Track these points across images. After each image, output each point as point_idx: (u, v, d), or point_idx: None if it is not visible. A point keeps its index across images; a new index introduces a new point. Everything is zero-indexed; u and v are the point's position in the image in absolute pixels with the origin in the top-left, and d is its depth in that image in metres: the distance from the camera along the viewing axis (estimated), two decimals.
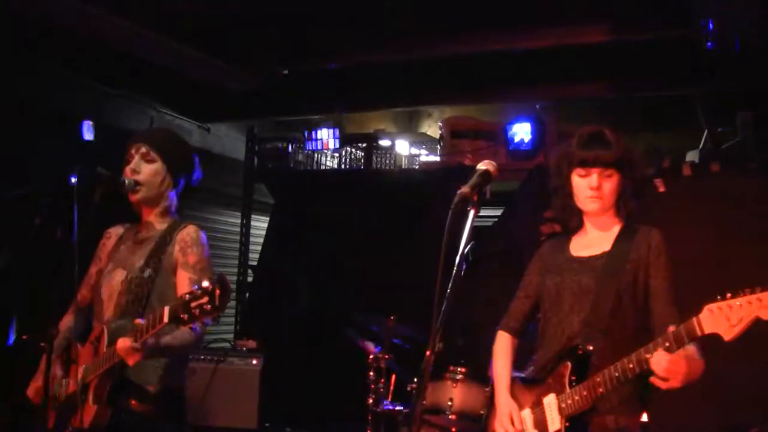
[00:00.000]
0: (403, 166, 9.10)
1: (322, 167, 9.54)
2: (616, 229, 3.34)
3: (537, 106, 7.57)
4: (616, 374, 2.94)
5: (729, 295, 2.66)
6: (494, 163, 2.88)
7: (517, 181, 7.24)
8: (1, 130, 6.33)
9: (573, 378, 3.12)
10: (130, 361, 3.17)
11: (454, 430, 5.08)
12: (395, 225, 7.73)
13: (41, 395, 3.55)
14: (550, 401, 3.18)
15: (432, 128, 9.46)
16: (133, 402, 3.45)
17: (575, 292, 3.26)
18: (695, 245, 5.82)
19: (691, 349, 2.87)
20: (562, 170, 3.37)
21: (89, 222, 3.30)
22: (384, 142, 9.09)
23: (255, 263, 9.19)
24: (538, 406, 3.23)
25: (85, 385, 3.40)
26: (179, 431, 3.64)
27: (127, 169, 3.63)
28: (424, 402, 5.08)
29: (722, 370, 2.94)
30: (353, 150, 9.31)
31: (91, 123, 7.17)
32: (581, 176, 3.27)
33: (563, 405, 3.12)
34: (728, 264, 5.76)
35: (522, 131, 7.39)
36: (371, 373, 5.84)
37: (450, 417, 5.11)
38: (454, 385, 5.19)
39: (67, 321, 3.75)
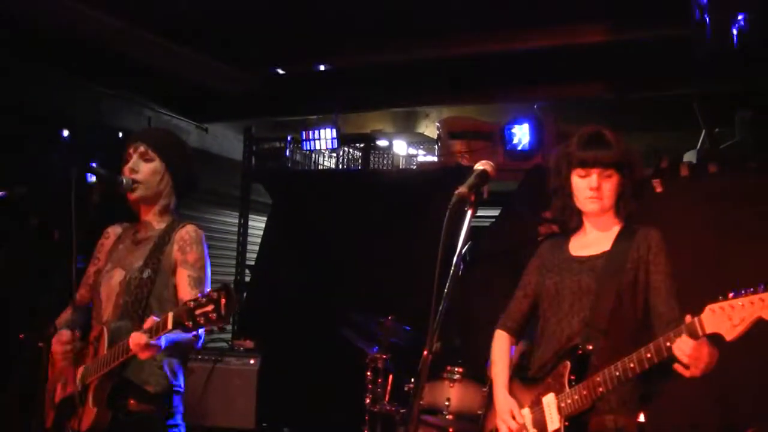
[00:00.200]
0: (400, 167, 9.12)
1: (320, 167, 9.55)
2: (616, 229, 3.35)
3: (535, 107, 7.56)
4: (617, 374, 2.94)
5: (731, 295, 2.66)
6: (492, 163, 2.88)
7: (515, 181, 7.24)
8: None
9: (572, 377, 3.12)
10: (142, 356, 3.17)
11: (451, 430, 5.08)
12: (393, 225, 7.73)
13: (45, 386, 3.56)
14: (549, 401, 3.18)
15: (430, 128, 9.46)
16: (131, 402, 3.44)
17: (575, 292, 3.27)
18: (693, 245, 5.82)
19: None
20: (562, 171, 3.38)
21: (87, 222, 3.30)
22: (381, 143, 9.10)
23: (252, 263, 9.19)
24: (537, 406, 3.23)
25: (84, 386, 3.39)
26: (177, 431, 3.64)
27: (126, 169, 3.62)
28: (422, 402, 5.08)
29: (720, 369, 2.94)
30: (351, 150, 9.32)
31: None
32: (581, 177, 3.28)
33: (562, 404, 3.12)
34: (726, 264, 5.76)
35: (520, 132, 7.39)
36: (369, 373, 5.84)
37: (447, 417, 5.11)
38: (452, 385, 5.19)
39: (65, 321, 3.75)
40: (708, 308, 2.71)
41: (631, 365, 2.90)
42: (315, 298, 7.93)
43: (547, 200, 3.57)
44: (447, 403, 5.13)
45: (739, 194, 5.97)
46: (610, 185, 3.26)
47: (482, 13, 6.19)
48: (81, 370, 3.44)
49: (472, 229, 2.75)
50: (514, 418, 3.28)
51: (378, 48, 7.01)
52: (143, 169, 3.62)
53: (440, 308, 2.65)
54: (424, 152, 9.27)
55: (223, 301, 2.95)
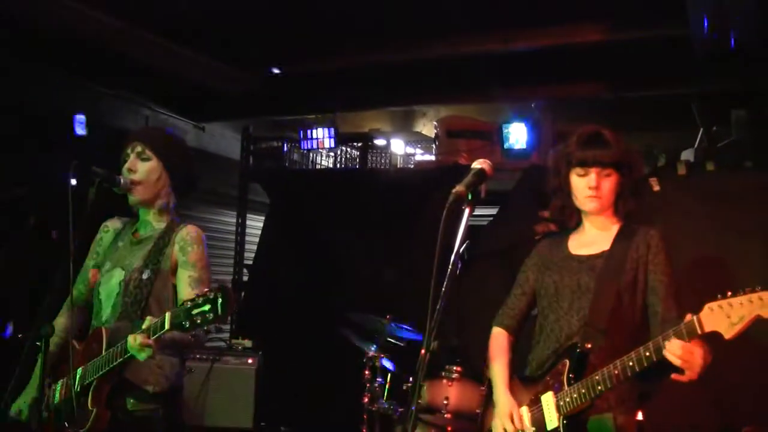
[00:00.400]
0: (398, 166, 9.11)
1: (318, 166, 9.54)
2: (615, 228, 3.36)
3: (533, 106, 7.56)
4: (616, 372, 2.95)
5: (729, 293, 2.68)
6: (489, 162, 2.88)
7: (512, 180, 7.24)
8: None
9: (571, 376, 3.13)
10: (141, 357, 3.17)
11: (449, 429, 5.08)
12: (390, 224, 7.73)
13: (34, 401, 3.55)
14: (547, 399, 3.19)
15: (427, 127, 9.46)
16: (131, 402, 3.45)
17: (574, 291, 3.28)
18: (690, 244, 5.83)
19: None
20: (561, 170, 3.39)
21: (85, 221, 3.30)
22: (379, 142, 9.09)
23: (250, 262, 9.19)
24: (535, 404, 3.24)
25: (83, 387, 3.39)
26: (176, 431, 3.64)
27: (124, 168, 3.63)
28: (420, 401, 5.09)
29: (717, 368, 2.94)
30: (348, 149, 9.31)
31: (83, 117, 7.14)
32: (580, 176, 3.29)
33: (561, 403, 3.13)
34: (723, 262, 5.76)
35: (517, 131, 7.38)
36: (367, 372, 5.84)
37: (446, 416, 5.11)
38: (450, 384, 5.19)
39: (62, 321, 3.74)
40: (707, 307, 2.72)
41: (630, 364, 2.91)
42: (313, 298, 7.93)
43: (544, 199, 3.58)
44: (445, 402, 5.13)
45: (736, 193, 5.97)
46: (609, 184, 3.27)
47: (481, 13, 6.19)
48: (80, 370, 3.44)
49: (469, 228, 2.76)
50: (512, 418, 3.28)
51: (377, 47, 7.01)
52: (141, 168, 3.61)
53: (438, 307, 2.65)
54: (422, 151, 9.26)
55: (220, 300, 2.95)
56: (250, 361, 6.88)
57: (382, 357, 5.83)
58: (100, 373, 3.33)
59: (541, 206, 3.64)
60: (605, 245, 3.31)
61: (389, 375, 5.88)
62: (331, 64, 7.52)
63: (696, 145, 6.68)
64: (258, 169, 9.33)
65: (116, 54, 6.87)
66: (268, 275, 8.66)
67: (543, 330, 3.39)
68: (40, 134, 6.77)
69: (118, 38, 6.63)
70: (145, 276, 3.53)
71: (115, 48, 6.78)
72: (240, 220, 9.41)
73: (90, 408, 3.33)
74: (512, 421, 3.28)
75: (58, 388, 3.55)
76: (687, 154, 6.58)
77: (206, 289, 3.03)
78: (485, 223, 7.39)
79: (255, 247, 9.16)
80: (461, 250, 2.74)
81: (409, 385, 5.35)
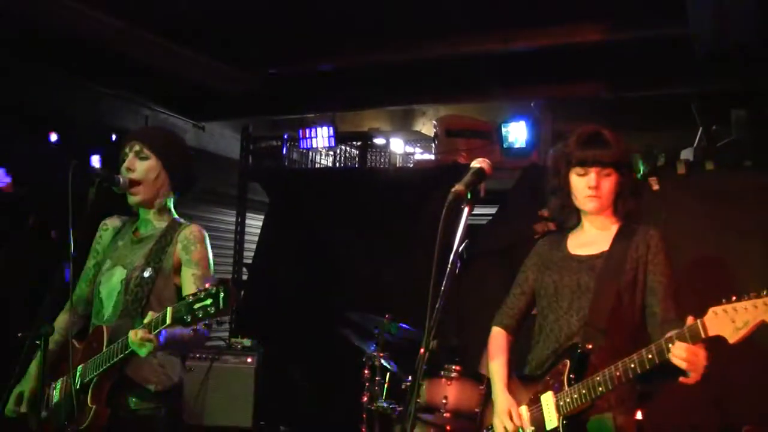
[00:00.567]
0: (397, 165, 9.11)
1: (317, 166, 9.54)
2: (614, 228, 3.36)
3: (532, 105, 7.57)
4: (617, 374, 2.94)
5: (734, 298, 2.67)
6: (488, 161, 2.89)
7: (511, 179, 7.24)
8: None
9: (572, 376, 3.13)
10: (142, 352, 3.18)
11: (448, 428, 5.08)
12: (390, 223, 7.73)
13: (27, 406, 3.56)
14: (547, 399, 3.18)
15: (426, 127, 9.46)
16: (132, 400, 3.46)
17: (574, 291, 3.28)
18: (690, 243, 5.83)
19: None
20: (561, 170, 3.39)
21: (85, 221, 3.30)
22: (379, 141, 9.09)
23: (250, 261, 9.19)
24: (535, 404, 3.24)
25: (83, 384, 3.40)
26: (177, 429, 3.65)
27: (122, 168, 3.63)
28: (419, 400, 5.09)
29: (718, 369, 2.94)
30: (348, 148, 9.31)
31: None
32: (580, 175, 3.30)
33: (561, 403, 3.13)
34: (723, 262, 5.77)
35: (517, 130, 7.39)
36: (366, 372, 5.85)
37: (445, 415, 5.11)
38: (449, 383, 5.19)
39: (63, 319, 3.75)
40: (711, 311, 2.71)
41: (632, 366, 2.91)
42: (312, 297, 7.93)
43: (543, 198, 3.59)
44: (444, 401, 5.12)
45: (735, 192, 5.98)
46: (608, 184, 3.28)
47: (481, 12, 6.19)
48: (80, 368, 3.44)
49: (468, 227, 2.76)
50: (511, 417, 3.28)
51: (376, 47, 7.01)
52: (139, 167, 3.62)
53: (437, 306, 2.65)
54: (421, 150, 9.26)
55: (221, 295, 2.96)
56: (249, 360, 6.88)
57: (382, 356, 5.83)
58: (101, 370, 3.33)
59: (541, 205, 3.65)
60: (605, 245, 3.31)
61: (388, 374, 5.88)
62: (330, 63, 7.52)
63: (695, 145, 6.68)
64: (257, 169, 9.33)
65: (116, 54, 6.86)
66: (267, 274, 8.66)
67: (542, 330, 3.39)
68: (41, 134, 6.76)
69: (118, 38, 6.62)
70: (146, 274, 3.53)
71: (115, 48, 6.77)
72: (239, 219, 9.41)
73: (89, 405, 3.33)
74: (511, 419, 3.28)
75: (58, 387, 3.56)
76: (686, 154, 6.58)
77: (207, 284, 3.04)
78: (485, 222, 7.40)
79: (254, 246, 9.16)
80: (460, 249, 2.74)
81: (408, 384, 5.36)
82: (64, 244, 3.19)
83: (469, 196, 2.76)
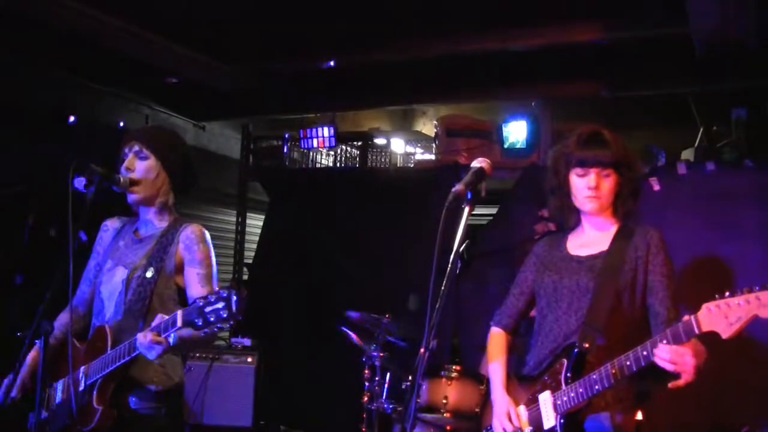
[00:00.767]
0: (398, 165, 9.11)
1: (317, 165, 9.54)
2: (614, 229, 3.36)
3: (532, 104, 7.57)
4: (613, 372, 2.95)
5: (727, 293, 2.68)
6: (488, 160, 2.89)
7: (512, 179, 7.25)
8: None
9: (569, 375, 3.13)
10: (151, 355, 3.18)
11: (449, 428, 5.08)
12: (390, 223, 7.73)
13: (18, 393, 3.56)
14: (545, 398, 3.19)
15: (427, 126, 9.47)
16: (133, 400, 3.45)
17: (573, 291, 3.28)
18: (690, 243, 5.83)
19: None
20: (560, 170, 3.39)
21: (84, 220, 3.30)
22: (379, 141, 9.09)
23: (250, 261, 9.19)
24: (533, 403, 3.24)
25: (87, 385, 3.39)
26: (178, 429, 3.64)
27: (122, 168, 3.63)
28: (419, 400, 5.08)
29: (716, 368, 2.94)
30: (348, 148, 9.30)
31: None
32: (579, 176, 3.29)
33: (558, 402, 3.13)
34: (723, 262, 5.77)
35: (517, 130, 7.39)
36: (366, 371, 5.84)
37: (445, 415, 5.10)
38: (449, 383, 5.18)
39: (63, 318, 3.75)
40: (704, 307, 2.72)
41: (628, 363, 2.91)
42: (312, 297, 7.93)
43: (544, 198, 3.59)
44: (444, 401, 5.12)
45: (735, 192, 5.98)
46: (608, 185, 3.28)
47: (480, 12, 6.19)
48: (83, 369, 3.44)
49: (469, 228, 2.76)
50: (510, 417, 3.28)
51: (377, 47, 7.01)
52: (138, 167, 3.61)
53: (437, 306, 2.65)
54: (422, 150, 9.26)
55: (234, 298, 2.96)
56: (249, 359, 6.88)
57: (382, 356, 5.82)
58: (107, 370, 3.33)
59: (541, 205, 3.65)
60: (604, 245, 3.31)
61: (388, 374, 5.88)
62: (330, 63, 7.52)
63: (696, 145, 6.68)
64: (258, 168, 9.34)
65: (116, 53, 6.87)
66: (267, 274, 8.66)
67: (541, 330, 3.39)
68: (40, 133, 6.76)
69: (118, 37, 6.62)
70: (148, 274, 3.53)
71: (114, 47, 6.77)
72: (240, 219, 9.42)
73: (96, 406, 3.33)
74: (509, 419, 3.28)
75: (59, 388, 3.55)
76: (687, 154, 6.58)
77: (217, 288, 3.04)
78: (485, 222, 7.40)
79: (255, 246, 9.16)
80: (461, 249, 2.74)
81: (408, 384, 5.36)
82: (64, 243, 3.19)
83: (469, 196, 2.75)
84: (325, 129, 8.42)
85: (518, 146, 7.38)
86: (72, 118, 7.01)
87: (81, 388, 3.40)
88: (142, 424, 3.46)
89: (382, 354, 5.82)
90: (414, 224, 7.18)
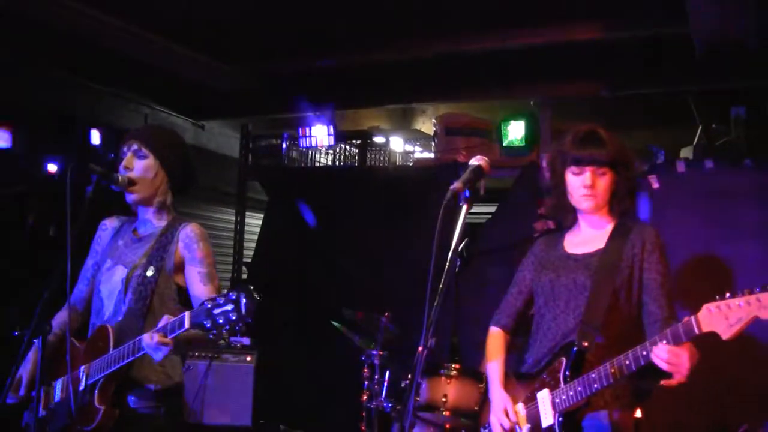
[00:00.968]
0: (397, 163, 9.09)
1: (316, 164, 9.53)
2: (610, 227, 3.36)
3: (531, 103, 7.56)
4: (612, 371, 2.95)
5: (728, 294, 2.68)
6: (487, 158, 2.88)
7: (511, 178, 7.25)
8: None
9: (567, 374, 3.13)
10: (157, 356, 3.18)
11: (448, 426, 5.08)
12: (389, 222, 7.73)
13: (26, 393, 3.56)
14: (543, 396, 3.19)
15: (426, 125, 9.45)
16: (132, 399, 3.45)
17: (571, 289, 3.28)
18: (689, 241, 5.84)
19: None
20: (556, 169, 3.40)
21: (83, 219, 3.30)
22: (378, 139, 9.08)
23: (249, 260, 9.19)
24: (531, 401, 3.25)
25: (88, 385, 3.39)
26: (177, 428, 3.64)
27: (120, 167, 3.63)
28: (418, 399, 5.09)
29: (715, 367, 2.95)
30: (347, 147, 9.29)
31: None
32: (575, 174, 3.30)
33: (557, 400, 3.13)
34: (722, 260, 5.77)
35: (516, 128, 7.38)
36: (365, 370, 5.85)
37: (444, 413, 5.10)
38: (448, 381, 5.18)
39: (61, 317, 3.75)
40: (705, 307, 2.72)
41: (627, 362, 2.92)
42: (311, 295, 7.93)
43: (543, 197, 3.59)
44: (444, 400, 5.12)
45: (734, 191, 5.98)
46: (604, 183, 3.28)
47: (479, 11, 6.19)
48: (83, 368, 3.44)
49: (468, 226, 2.76)
50: (507, 414, 3.29)
51: (376, 46, 7.01)
52: (137, 166, 3.61)
53: (435, 304, 2.65)
54: (421, 149, 9.24)
55: (243, 300, 2.95)
56: (248, 358, 6.88)
57: (381, 354, 5.82)
58: (109, 370, 3.33)
59: (540, 204, 3.65)
60: (600, 244, 3.32)
61: (388, 373, 5.88)
62: (329, 62, 7.52)
63: (695, 143, 6.68)
64: (257, 167, 9.33)
65: (116, 53, 6.87)
66: (266, 273, 8.66)
67: (540, 328, 3.39)
68: (40, 133, 6.76)
69: (118, 37, 6.63)
70: (149, 273, 3.53)
71: (114, 47, 6.77)
72: (239, 218, 9.41)
73: (97, 406, 3.33)
74: (507, 415, 3.28)
75: (59, 387, 3.55)
76: (686, 152, 6.58)
77: (227, 290, 3.03)
78: (484, 220, 7.40)
79: (254, 245, 9.16)
80: (460, 247, 2.74)
81: (408, 382, 5.36)
82: (62, 242, 3.18)
83: (467, 194, 2.75)
84: (324, 128, 8.42)
85: (517, 145, 7.38)
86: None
87: (81, 387, 3.40)
88: (142, 424, 3.46)
89: (381, 353, 5.83)
90: (413, 223, 7.17)
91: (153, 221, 3.72)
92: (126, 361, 3.28)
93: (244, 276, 9.15)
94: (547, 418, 3.15)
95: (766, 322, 2.61)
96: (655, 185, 6.18)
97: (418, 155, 9.20)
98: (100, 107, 7.82)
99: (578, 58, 6.65)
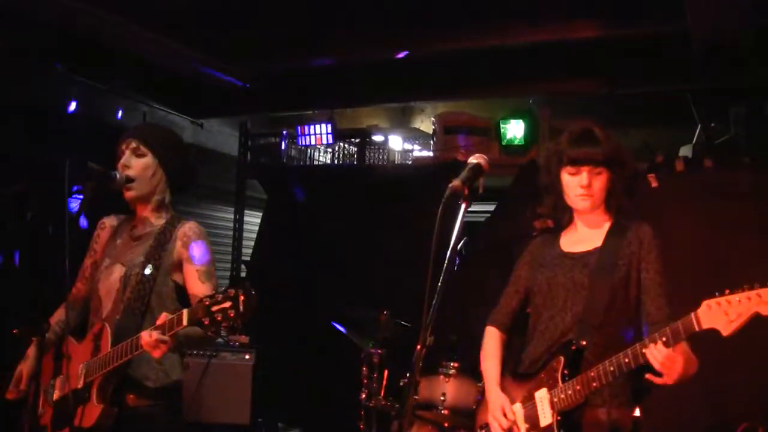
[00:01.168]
0: (396, 162, 9.10)
1: (315, 162, 9.53)
2: (606, 225, 3.35)
3: (530, 102, 7.56)
4: (611, 369, 2.94)
5: (727, 291, 2.68)
6: (486, 156, 2.87)
7: (510, 176, 7.24)
8: None
9: (566, 372, 3.12)
10: (156, 354, 3.18)
11: (446, 425, 5.07)
12: (388, 220, 7.73)
13: (26, 389, 3.56)
14: (541, 396, 3.18)
15: (425, 124, 9.45)
16: (131, 397, 3.45)
17: (569, 288, 3.27)
18: (688, 240, 5.83)
19: (685, 345, 2.88)
20: (552, 168, 3.38)
21: (81, 217, 3.29)
22: (377, 138, 9.08)
23: (248, 258, 9.18)
24: (529, 401, 3.23)
25: (86, 383, 3.39)
26: (176, 426, 3.64)
27: (119, 165, 3.63)
28: (417, 397, 5.08)
29: (715, 366, 2.94)
30: (346, 145, 9.29)
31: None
32: (571, 174, 3.28)
33: (555, 399, 3.12)
34: (721, 259, 5.77)
35: (515, 127, 7.39)
36: (364, 368, 5.84)
37: (443, 412, 5.10)
38: (447, 380, 5.19)
39: (60, 315, 3.75)
40: (704, 304, 2.72)
41: (626, 360, 2.91)
42: (310, 293, 7.93)
43: (541, 196, 3.58)
44: (442, 398, 5.12)
45: (733, 189, 5.98)
46: (600, 183, 3.26)
47: (478, 8, 6.19)
48: (81, 366, 3.44)
49: (467, 225, 2.75)
50: (505, 414, 3.28)
51: (375, 44, 7.00)
52: (135, 164, 3.62)
53: (434, 302, 2.64)
54: (420, 147, 9.24)
55: (241, 298, 2.95)
56: (246, 357, 6.86)
57: (379, 353, 5.82)
58: (108, 368, 3.32)
59: (539, 202, 3.64)
60: (597, 242, 3.31)
61: (386, 371, 5.87)
62: (328, 60, 7.51)
63: (694, 142, 6.68)
64: (256, 166, 9.33)
65: (114, 50, 6.86)
66: (265, 271, 8.66)
67: (536, 328, 3.38)
68: (38, 130, 6.74)
69: (116, 34, 6.62)
70: (147, 271, 3.53)
71: (113, 44, 6.76)
72: (237, 216, 9.41)
73: (96, 404, 3.33)
74: (505, 414, 3.27)
75: (56, 384, 3.55)
76: (685, 151, 6.58)
77: (225, 287, 3.03)
78: (483, 219, 7.40)
79: (252, 243, 9.16)
80: (459, 246, 2.74)
81: (406, 381, 5.35)
82: (60, 240, 3.18)
83: (466, 192, 2.74)
84: (323, 126, 8.42)
85: (516, 143, 7.38)
86: (73, 106, 6.98)
87: (80, 385, 3.40)
88: (141, 422, 3.46)
89: (379, 351, 5.82)
90: (412, 221, 7.17)
91: (151, 219, 3.72)
92: (125, 359, 3.28)
93: (243, 274, 9.15)
94: (546, 417, 3.14)
95: (767, 318, 2.61)
96: (654, 184, 6.18)
97: (416, 154, 9.20)
98: (98, 105, 7.80)
99: (577, 56, 6.65)
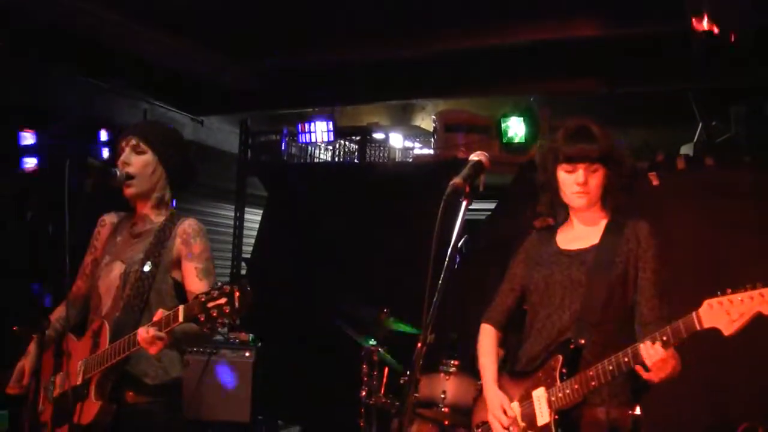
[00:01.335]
0: (396, 160, 9.10)
1: (316, 160, 9.53)
2: (603, 223, 3.34)
3: (531, 100, 7.56)
4: (610, 368, 2.94)
5: (729, 290, 2.67)
6: (486, 154, 2.87)
7: (510, 174, 7.24)
8: None
9: (564, 371, 3.11)
10: (153, 350, 3.18)
11: (446, 423, 5.08)
12: (389, 218, 7.73)
13: (27, 385, 3.56)
14: (539, 394, 3.17)
15: (426, 121, 9.45)
16: (130, 394, 3.45)
17: (566, 286, 3.25)
18: (688, 239, 5.83)
19: (672, 348, 2.87)
20: (548, 166, 3.36)
21: (81, 214, 3.30)
22: (378, 135, 9.08)
23: (248, 256, 9.18)
24: (526, 399, 3.22)
25: (85, 380, 3.39)
26: (176, 423, 3.64)
27: (119, 162, 3.63)
28: (417, 395, 5.09)
29: (716, 366, 2.94)
30: (347, 143, 9.30)
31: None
32: (567, 172, 3.26)
33: (553, 398, 3.12)
34: (721, 257, 5.77)
35: (516, 125, 7.38)
36: (364, 366, 5.84)
37: (443, 410, 5.11)
38: (447, 377, 5.19)
39: (60, 312, 3.75)
40: (706, 303, 2.71)
41: (625, 359, 2.91)
42: (310, 291, 7.93)
43: (538, 195, 3.57)
44: (443, 396, 5.13)
45: (734, 188, 5.98)
46: (596, 180, 3.24)
47: (479, 7, 6.18)
48: (80, 363, 3.44)
49: (468, 223, 2.75)
50: (505, 412, 3.27)
51: (375, 42, 7.00)
52: (135, 161, 3.62)
53: (434, 300, 2.64)
54: (420, 145, 9.25)
55: (237, 294, 2.96)
56: (247, 354, 6.87)
57: (380, 350, 5.82)
58: (106, 365, 3.33)
59: (538, 201, 3.62)
60: (594, 240, 3.29)
61: (387, 369, 5.87)
62: (329, 57, 7.51)
63: (695, 140, 6.68)
64: (256, 163, 9.33)
65: (114, 47, 6.85)
66: (265, 269, 8.66)
67: (533, 326, 3.36)
68: (39, 129, 6.75)
69: (116, 31, 6.61)
70: (146, 269, 3.53)
71: (113, 41, 6.76)
72: (238, 214, 9.41)
73: (94, 401, 3.33)
74: (504, 412, 3.27)
75: (56, 381, 3.55)
76: (686, 149, 6.59)
77: (220, 283, 3.03)
78: (484, 217, 7.40)
79: (253, 241, 9.15)
80: (460, 244, 2.73)
81: (406, 378, 5.35)
82: (61, 238, 3.18)
83: (467, 190, 2.74)
84: (324, 123, 8.42)
85: (517, 142, 7.38)
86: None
87: (79, 382, 3.40)
88: (140, 419, 3.46)
89: (380, 348, 5.82)
90: (412, 219, 7.17)
91: (151, 217, 3.72)
92: (122, 356, 3.28)
93: (244, 272, 9.15)
94: (543, 416, 3.13)
95: (767, 318, 2.61)
96: (655, 182, 6.18)
97: (417, 151, 9.21)
98: (98, 102, 7.80)
99: (578, 54, 6.64)
